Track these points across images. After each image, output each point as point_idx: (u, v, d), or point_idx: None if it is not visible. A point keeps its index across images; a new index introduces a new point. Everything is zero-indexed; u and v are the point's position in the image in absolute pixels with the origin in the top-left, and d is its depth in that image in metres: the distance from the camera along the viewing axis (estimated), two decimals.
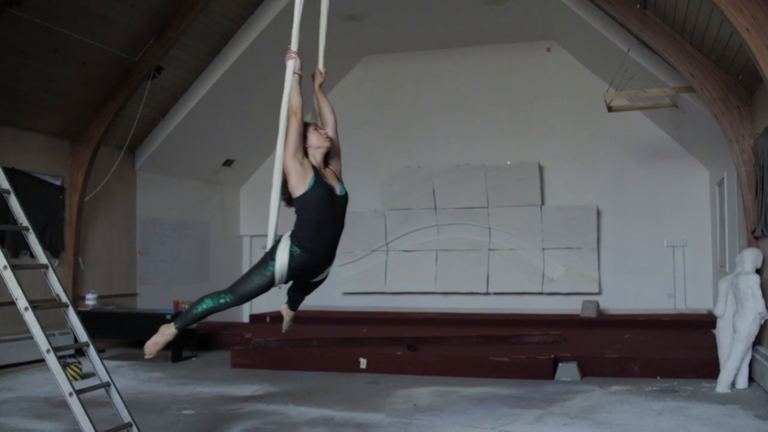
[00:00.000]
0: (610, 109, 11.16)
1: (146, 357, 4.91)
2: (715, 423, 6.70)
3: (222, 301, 4.69)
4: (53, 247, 11.20)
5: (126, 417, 5.09)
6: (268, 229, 4.67)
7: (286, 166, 4.53)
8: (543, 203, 14.30)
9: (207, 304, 4.72)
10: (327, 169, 4.76)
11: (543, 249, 14.15)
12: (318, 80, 5.03)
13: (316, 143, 4.69)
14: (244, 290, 4.66)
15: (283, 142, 4.58)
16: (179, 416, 7.30)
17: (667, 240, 13.69)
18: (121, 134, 12.22)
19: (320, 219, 4.56)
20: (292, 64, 4.72)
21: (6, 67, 9.79)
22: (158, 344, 4.83)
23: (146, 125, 12.81)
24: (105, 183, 12.25)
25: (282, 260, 4.51)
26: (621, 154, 14.02)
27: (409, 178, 14.72)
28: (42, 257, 5.24)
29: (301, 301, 5.29)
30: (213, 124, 13.64)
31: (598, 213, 14.07)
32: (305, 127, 4.68)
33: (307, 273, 4.72)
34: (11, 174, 10.16)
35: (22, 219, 5.23)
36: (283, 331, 5.54)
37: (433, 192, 14.66)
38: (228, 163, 15.25)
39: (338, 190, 4.69)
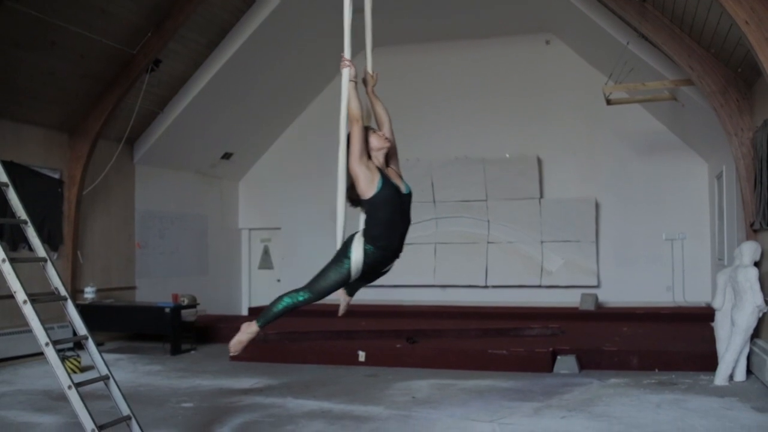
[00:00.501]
0: (609, 101, 11.17)
1: (231, 354, 5.02)
2: (713, 415, 6.72)
3: (300, 298, 4.79)
4: (52, 241, 11.20)
5: (125, 410, 5.09)
6: (337, 230, 4.82)
7: (354, 172, 4.69)
8: (542, 196, 14.31)
9: (286, 302, 4.82)
10: (389, 169, 4.93)
11: (542, 242, 14.16)
12: (370, 84, 5.21)
13: (378, 145, 4.86)
14: (322, 287, 4.78)
15: (345, 149, 4.73)
16: (178, 409, 7.31)
17: (666, 233, 13.70)
18: (120, 127, 12.21)
19: (391, 218, 4.73)
20: (347, 73, 4.85)
21: (4, 60, 9.77)
22: (242, 342, 4.92)
23: (145, 118, 12.80)
24: (103, 176, 12.24)
25: (357, 257, 4.67)
26: (620, 147, 14.02)
27: (407, 171, 14.39)
28: (41, 250, 5.24)
29: (359, 289, 5.42)
30: (212, 117, 13.64)
31: (597, 206, 14.07)
32: (365, 131, 4.80)
33: (377, 267, 4.87)
34: (9, 167, 10.13)
35: (20, 212, 5.22)
36: (339, 315, 5.63)
37: (432, 185, 14.66)
38: (227, 156, 15.25)
39: (403, 189, 4.88)
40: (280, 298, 4.84)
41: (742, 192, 9.12)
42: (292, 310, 4.85)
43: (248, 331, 4.90)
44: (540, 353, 9.25)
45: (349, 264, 4.69)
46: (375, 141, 4.84)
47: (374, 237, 4.70)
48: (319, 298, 4.80)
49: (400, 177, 4.97)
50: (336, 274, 4.74)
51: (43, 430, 6.49)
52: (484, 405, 7.34)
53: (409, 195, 4.90)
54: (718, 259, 12.08)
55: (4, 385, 8.67)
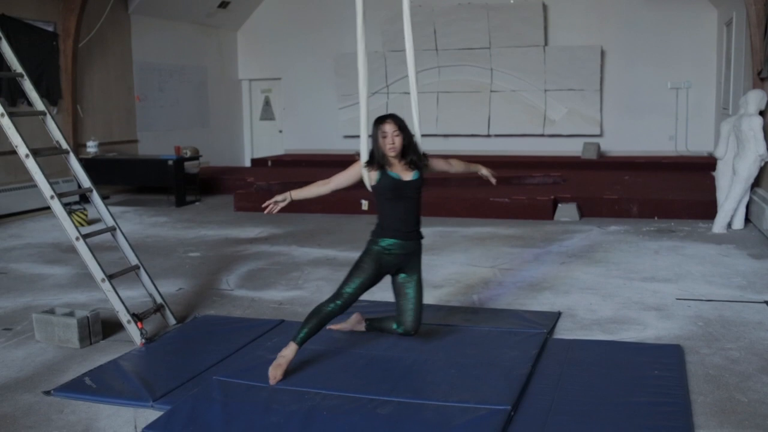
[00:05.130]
0: None
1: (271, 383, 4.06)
2: (710, 262, 6.86)
3: (331, 307, 4.25)
4: (51, 95, 11.08)
5: (133, 260, 5.20)
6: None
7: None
8: (546, 44, 14.01)
9: (320, 312, 4.24)
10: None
11: (545, 90, 14.00)
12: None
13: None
14: (348, 293, 4.36)
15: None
16: (186, 258, 7.46)
17: (671, 81, 13.52)
18: None
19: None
20: None
21: None
22: (282, 366, 4.11)
23: None
24: (99, 28, 11.96)
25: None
26: None
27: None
28: (39, 104, 5.19)
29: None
30: None
31: (603, 54, 13.81)
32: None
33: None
34: (1, 20, 9.96)
35: (15, 65, 5.13)
36: (336, 328, 4.91)
37: (435, 32, 14.34)
38: (223, 5, 14.83)
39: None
40: (314, 310, 4.24)
41: (751, 39, 8.92)
42: (328, 322, 4.29)
43: (285, 355, 4.14)
44: (541, 201, 9.35)
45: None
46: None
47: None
48: (350, 305, 4.33)
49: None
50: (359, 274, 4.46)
51: (55, 280, 6.65)
52: (485, 251, 7.48)
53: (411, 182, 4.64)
54: (723, 109, 11.98)
55: (13, 239, 8.82)
